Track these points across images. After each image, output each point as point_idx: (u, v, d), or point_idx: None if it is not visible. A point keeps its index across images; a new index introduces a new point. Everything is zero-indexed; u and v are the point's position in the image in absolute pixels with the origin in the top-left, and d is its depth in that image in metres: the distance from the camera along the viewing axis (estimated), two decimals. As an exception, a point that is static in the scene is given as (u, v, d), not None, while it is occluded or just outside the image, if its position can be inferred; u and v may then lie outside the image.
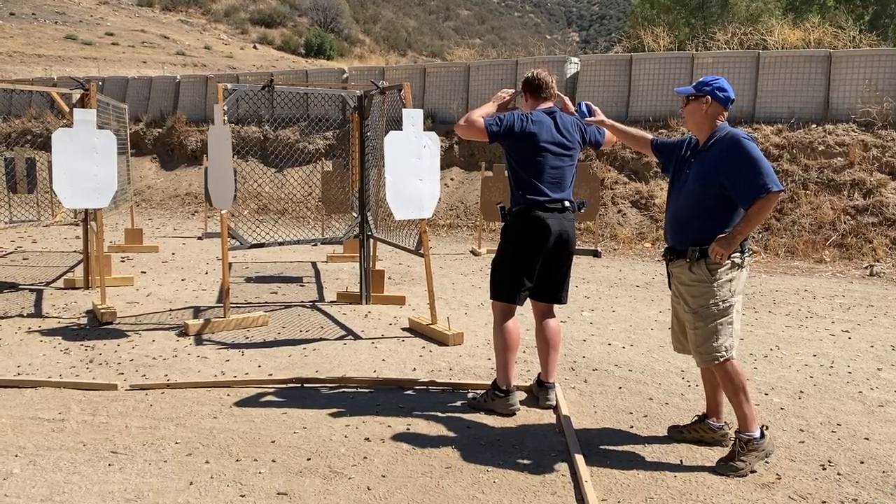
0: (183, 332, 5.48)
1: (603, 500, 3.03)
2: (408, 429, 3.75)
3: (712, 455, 3.44)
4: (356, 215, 6.69)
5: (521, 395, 4.22)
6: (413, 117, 5.28)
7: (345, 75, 14.71)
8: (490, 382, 4.13)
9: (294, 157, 13.87)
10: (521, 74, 12.48)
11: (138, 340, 5.30)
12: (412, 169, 5.27)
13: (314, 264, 8.59)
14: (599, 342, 5.42)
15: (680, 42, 15.00)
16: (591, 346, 5.33)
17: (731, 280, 3.29)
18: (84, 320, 5.87)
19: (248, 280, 7.57)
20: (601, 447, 3.56)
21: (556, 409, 4.02)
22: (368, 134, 6.52)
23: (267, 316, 5.86)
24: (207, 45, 40.46)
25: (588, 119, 3.80)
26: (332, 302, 6.64)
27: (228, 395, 4.22)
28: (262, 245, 6.14)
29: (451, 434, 3.69)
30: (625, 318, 6.19)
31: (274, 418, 3.87)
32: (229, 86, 5.49)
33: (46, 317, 5.95)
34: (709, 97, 3.37)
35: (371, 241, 6.63)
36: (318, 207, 12.83)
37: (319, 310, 6.35)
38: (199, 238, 10.58)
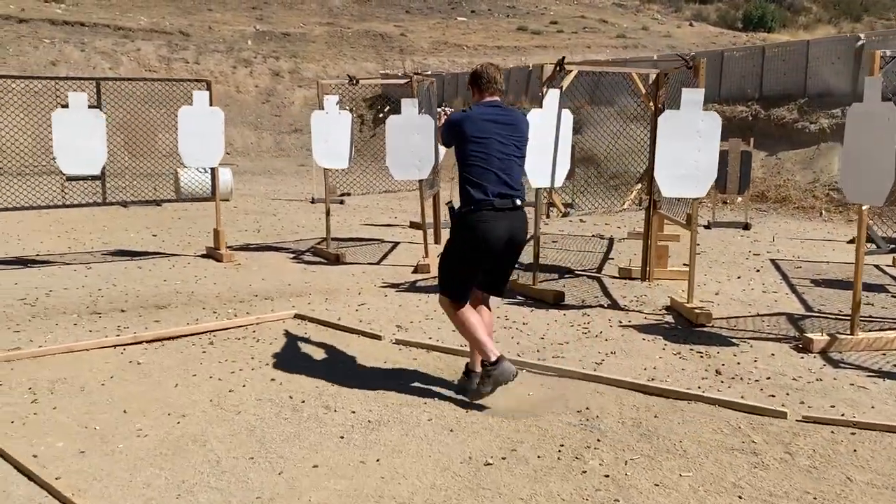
0: (804, 346, 4.64)
1: None
2: None
3: None
4: None
5: None
6: None
7: (859, 42, 12.56)
8: None
9: (790, 139, 12.60)
10: None
11: (752, 352, 4.61)
12: None
13: (878, 267, 7.13)
14: None
15: None
16: None
17: None
18: (669, 318, 5.42)
19: (816, 284, 6.49)
20: None
21: None
22: None
23: (894, 336, 4.72)
24: (644, 25, 40.08)
25: None
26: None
27: (952, 452, 3.21)
28: None
29: None
30: None
31: None
32: (888, 52, 4.43)
33: (626, 309, 5.65)
34: None
35: None
36: (827, 197, 11.21)
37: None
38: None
